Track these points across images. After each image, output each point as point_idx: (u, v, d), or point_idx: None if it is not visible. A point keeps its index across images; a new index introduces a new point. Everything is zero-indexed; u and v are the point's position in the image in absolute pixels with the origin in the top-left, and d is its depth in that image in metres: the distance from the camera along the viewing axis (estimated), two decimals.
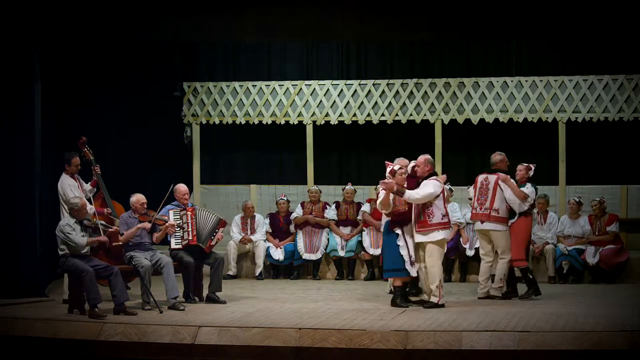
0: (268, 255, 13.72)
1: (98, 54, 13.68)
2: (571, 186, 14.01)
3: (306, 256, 13.59)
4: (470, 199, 11.69)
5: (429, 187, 10.18)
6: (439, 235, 10.22)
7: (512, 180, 11.05)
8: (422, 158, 10.43)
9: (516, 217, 11.06)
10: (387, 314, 9.87)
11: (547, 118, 14.04)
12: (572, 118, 13.99)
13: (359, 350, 8.69)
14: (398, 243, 10.32)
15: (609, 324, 8.99)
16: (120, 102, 14.30)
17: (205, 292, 10.99)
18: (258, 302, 11.03)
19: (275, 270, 13.83)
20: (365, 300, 11.09)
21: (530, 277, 11.18)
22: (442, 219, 10.21)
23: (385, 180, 10.26)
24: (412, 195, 10.17)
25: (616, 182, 13.96)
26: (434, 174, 10.42)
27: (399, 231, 10.34)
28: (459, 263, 13.31)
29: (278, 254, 13.67)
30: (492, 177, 11.09)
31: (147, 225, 10.65)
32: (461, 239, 13.26)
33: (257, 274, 13.67)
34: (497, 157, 11.23)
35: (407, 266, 10.29)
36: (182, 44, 14.39)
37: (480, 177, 11.22)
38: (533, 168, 11.24)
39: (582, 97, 13.93)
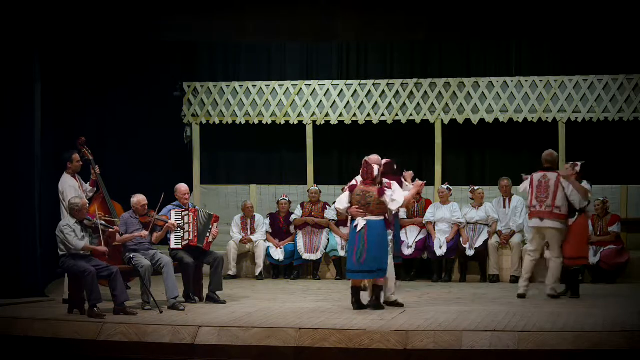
0: (268, 255, 13.72)
1: (98, 54, 13.69)
2: None
3: (306, 256, 13.60)
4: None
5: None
6: None
7: (573, 177, 11.11)
8: (384, 160, 10.52)
9: (576, 216, 11.15)
10: (387, 314, 9.87)
11: (547, 118, 14.04)
12: (572, 118, 13.98)
13: (359, 350, 8.70)
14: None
15: (609, 324, 8.99)
16: (120, 102, 14.31)
17: (205, 292, 10.99)
18: (258, 302, 11.03)
19: (275, 270, 13.83)
20: (365, 300, 11.07)
21: (580, 277, 11.35)
22: None
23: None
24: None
25: (616, 182, 13.95)
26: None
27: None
28: (458, 263, 13.32)
29: (278, 254, 13.68)
30: (552, 175, 11.13)
31: (145, 233, 10.65)
32: (461, 239, 13.26)
33: (257, 274, 13.68)
34: (553, 155, 11.36)
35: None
36: (182, 44, 14.40)
37: (537, 175, 11.22)
38: (580, 165, 11.29)
39: (582, 97, 13.92)
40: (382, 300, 10.25)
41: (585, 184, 11.30)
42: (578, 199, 11.07)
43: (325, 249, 13.61)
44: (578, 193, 11.05)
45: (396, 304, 10.40)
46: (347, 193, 10.24)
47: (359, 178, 10.29)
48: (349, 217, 10.32)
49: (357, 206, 10.11)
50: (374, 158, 10.40)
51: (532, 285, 12.41)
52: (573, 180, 11.10)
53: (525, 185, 11.36)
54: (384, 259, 10.08)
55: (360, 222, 10.07)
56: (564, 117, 13.99)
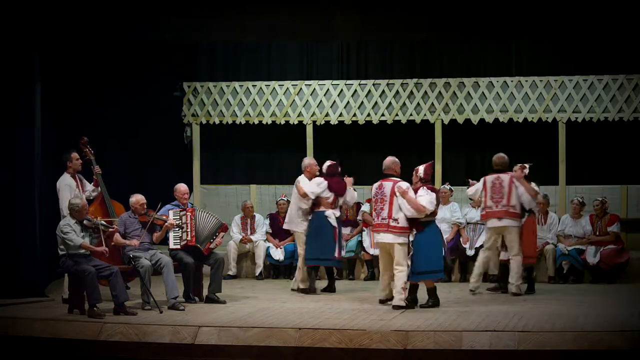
0: (268, 255, 13.72)
1: (98, 54, 13.67)
2: (571, 186, 14.01)
3: None
4: (471, 198, 11.97)
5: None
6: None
7: (524, 179, 11.46)
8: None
9: (526, 216, 11.48)
10: (387, 314, 9.88)
11: (547, 118, 14.04)
12: (572, 118, 13.98)
13: (359, 350, 8.70)
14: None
15: (609, 324, 9.00)
16: (120, 102, 14.29)
17: (205, 292, 10.99)
18: (258, 302, 11.03)
19: (275, 270, 13.83)
20: (365, 300, 11.08)
21: (534, 275, 11.71)
22: None
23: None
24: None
25: (616, 182, 13.95)
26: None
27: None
28: (458, 263, 13.31)
29: (278, 254, 13.67)
30: (505, 177, 11.47)
31: (135, 242, 10.64)
32: (461, 239, 13.26)
33: (257, 274, 13.68)
34: (504, 158, 11.68)
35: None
36: (182, 44, 14.38)
37: (490, 178, 11.58)
38: (528, 167, 11.55)
39: (582, 97, 13.92)
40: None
41: (534, 185, 11.62)
42: (528, 199, 11.42)
43: None
44: (528, 194, 11.38)
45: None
46: (433, 194, 10.42)
47: (405, 182, 10.54)
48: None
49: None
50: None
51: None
52: (523, 181, 11.44)
53: (476, 188, 11.74)
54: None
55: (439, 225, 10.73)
56: (564, 117, 13.99)
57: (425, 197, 10.31)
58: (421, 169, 10.56)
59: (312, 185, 11.75)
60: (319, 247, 11.61)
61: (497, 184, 11.46)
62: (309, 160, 12.12)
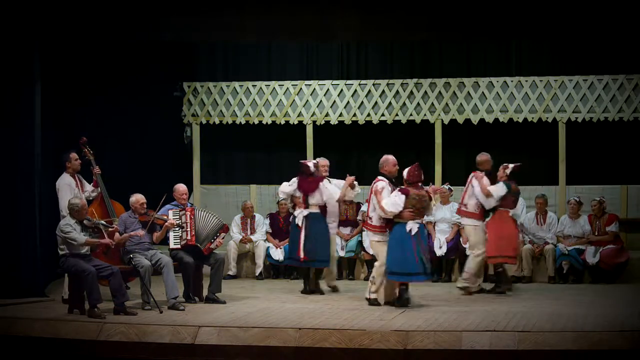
0: (268, 255, 13.72)
1: (98, 54, 13.67)
2: (571, 186, 14.01)
3: None
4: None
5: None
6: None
7: (485, 179, 11.57)
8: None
9: (490, 215, 11.66)
10: (387, 314, 9.88)
11: (547, 118, 14.04)
12: (572, 118, 13.98)
13: (359, 350, 8.70)
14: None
15: (609, 324, 9.00)
16: (120, 102, 14.29)
17: (205, 292, 10.99)
18: (258, 302, 11.03)
19: (275, 270, 13.83)
20: (365, 300, 11.07)
21: (504, 275, 11.71)
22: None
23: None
24: None
25: (616, 182, 13.95)
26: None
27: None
28: (458, 263, 13.30)
29: (278, 254, 13.67)
30: (472, 176, 11.74)
31: (141, 232, 10.65)
32: (461, 239, 13.26)
33: (257, 274, 13.68)
34: (482, 157, 11.86)
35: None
36: (182, 44, 14.38)
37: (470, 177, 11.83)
38: (510, 167, 11.69)
39: (582, 97, 13.92)
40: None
41: (498, 185, 11.59)
42: (482, 198, 11.53)
43: None
44: (481, 193, 11.51)
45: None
46: (402, 197, 10.38)
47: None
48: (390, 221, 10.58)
49: (411, 210, 10.38)
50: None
51: (531, 285, 12.53)
52: (482, 181, 11.55)
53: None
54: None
55: (414, 226, 10.35)
56: (564, 117, 13.99)
57: (389, 200, 10.39)
58: (405, 170, 10.63)
59: (284, 185, 11.82)
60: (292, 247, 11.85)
61: (468, 183, 11.73)
62: (323, 161, 12.08)
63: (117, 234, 10.55)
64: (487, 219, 11.71)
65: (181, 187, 11.22)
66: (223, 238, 11.25)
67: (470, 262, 11.59)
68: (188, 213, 10.97)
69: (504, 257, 11.57)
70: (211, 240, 11.05)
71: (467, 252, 12.01)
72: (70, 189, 10.87)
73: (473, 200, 11.57)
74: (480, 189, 11.53)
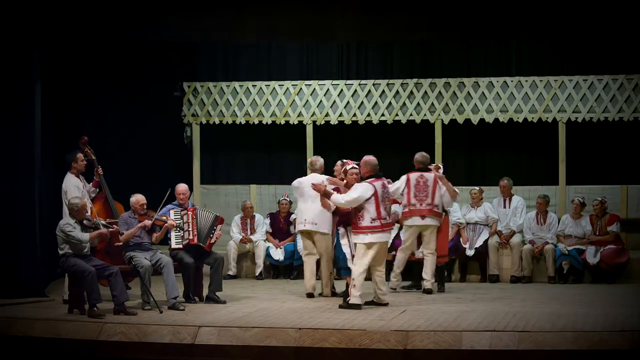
0: (268, 255, 13.72)
1: (98, 54, 13.69)
2: (571, 186, 14.00)
3: None
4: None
5: (356, 191, 10.30)
6: (366, 238, 10.29)
7: (446, 179, 11.75)
8: (363, 159, 10.55)
9: (443, 215, 11.81)
10: (387, 314, 9.88)
11: (547, 118, 14.04)
12: (572, 118, 13.98)
13: (359, 350, 8.70)
14: (341, 241, 10.82)
15: (609, 324, 9.00)
16: (120, 102, 14.31)
17: (205, 292, 10.99)
18: (258, 302, 11.03)
19: (275, 270, 13.83)
20: (365, 300, 11.08)
21: (445, 274, 12.30)
22: (371, 222, 10.27)
23: (315, 182, 10.76)
24: (337, 199, 10.44)
25: (616, 182, 13.95)
26: (375, 176, 10.43)
27: (342, 230, 10.82)
28: (458, 263, 13.31)
29: (278, 254, 13.67)
30: (429, 175, 11.67)
31: (148, 223, 10.65)
32: (461, 239, 13.26)
33: (257, 274, 13.68)
34: (426, 156, 11.88)
35: (349, 264, 10.63)
36: (182, 44, 14.39)
37: (414, 175, 11.71)
38: (442, 167, 11.92)
39: (582, 97, 13.92)
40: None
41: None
42: (448, 199, 11.70)
43: None
44: (449, 194, 11.65)
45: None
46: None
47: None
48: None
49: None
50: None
51: (531, 285, 12.56)
52: (446, 181, 11.67)
53: (397, 186, 11.56)
54: None
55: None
56: (564, 117, 13.99)
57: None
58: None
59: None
60: None
61: (422, 182, 11.60)
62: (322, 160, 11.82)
63: (118, 235, 10.54)
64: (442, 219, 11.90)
65: (182, 187, 11.22)
66: (221, 229, 11.24)
67: (433, 262, 11.67)
68: (190, 213, 10.97)
69: (447, 257, 12.16)
70: (210, 236, 11.05)
71: (420, 254, 11.89)
72: (78, 191, 10.84)
73: (441, 201, 11.63)
74: (448, 190, 11.66)
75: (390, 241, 11.95)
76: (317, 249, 11.53)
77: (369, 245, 10.27)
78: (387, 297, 10.67)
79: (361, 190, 10.25)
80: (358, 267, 10.30)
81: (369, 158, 10.47)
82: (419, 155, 11.79)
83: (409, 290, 11.99)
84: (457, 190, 11.90)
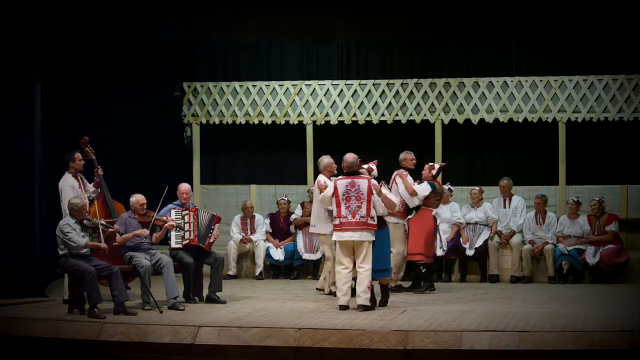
0: (268, 255, 13.72)
1: (98, 54, 13.69)
2: (571, 186, 14.00)
3: (306, 256, 13.59)
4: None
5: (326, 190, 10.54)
6: (334, 236, 10.42)
7: (409, 177, 11.68)
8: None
9: (413, 213, 11.71)
10: (387, 314, 9.88)
11: (547, 118, 14.04)
12: (572, 118, 13.98)
13: (359, 350, 8.70)
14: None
15: (609, 324, 9.00)
16: (120, 102, 14.31)
17: (205, 292, 10.99)
18: (258, 302, 11.03)
19: (275, 270, 13.83)
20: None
21: (423, 272, 11.79)
22: (332, 220, 10.40)
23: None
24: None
25: (616, 182, 13.95)
26: (350, 174, 10.32)
27: None
28: (458, 263, 13.31)
29: (278, 254, 13.68)
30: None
31: (145, 232, 10.65)
32: (461, 239, 13.26)
33: (257, 274, 13.68)
34: (405, 155, 11.91)
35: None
36: (182, 44, 14.39)
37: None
38: (436, 167, 11.93)
39: (582, 97, 13.92)
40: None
41: (423, 185, 11.74)
42: (407, 197, 11.61)
43: None
44: (407, 191, 11.58)
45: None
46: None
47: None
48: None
49: None
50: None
51: (530, 286, 12.54)
52: (406, 179, 11.63)
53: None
54: None
55: None
56: (564, 117, 13.99)
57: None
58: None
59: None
60: None
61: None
62: (328, 159, 11.48)
63: (117, 235, 10.54)
64: (410, 217, 11.77)
65: (184, 187, 11.20)
66: (219, 228, 11.24)
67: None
68: (191, 213, 10.97)
69: (422, 255, 11.70)
70: (209, 235, 11.05)
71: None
72: (73, 191, 10.83)
73: (397, 198, 11.23)
74: (405, 187, 11.60)
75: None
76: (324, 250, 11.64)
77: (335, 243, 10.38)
78: (361, 299, 10.03)
79: (326, 190, 10.48)
80: (336, 268, 10.37)
81: (346, 155, 10.43)
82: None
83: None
84: (414, 188, 11.58)
